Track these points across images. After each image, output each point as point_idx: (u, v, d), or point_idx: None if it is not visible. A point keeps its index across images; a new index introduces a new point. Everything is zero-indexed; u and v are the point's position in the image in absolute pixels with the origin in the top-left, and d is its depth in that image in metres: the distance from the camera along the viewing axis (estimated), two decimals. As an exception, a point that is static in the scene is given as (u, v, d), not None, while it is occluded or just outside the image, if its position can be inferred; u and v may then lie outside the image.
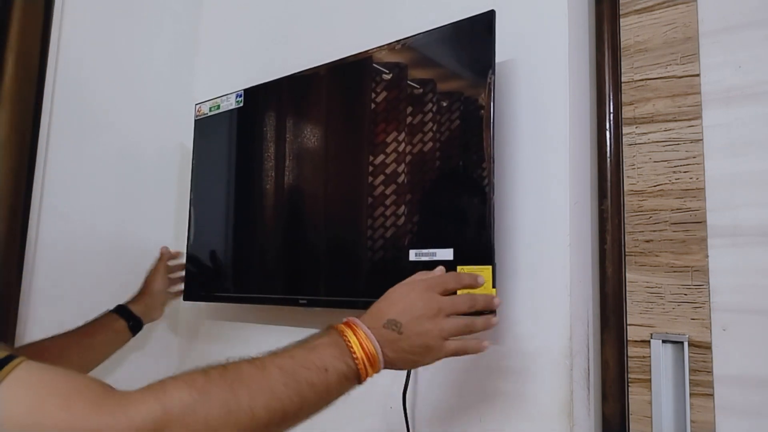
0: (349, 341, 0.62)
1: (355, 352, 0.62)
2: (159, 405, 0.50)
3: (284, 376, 0.57)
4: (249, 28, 1.41)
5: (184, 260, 1.29)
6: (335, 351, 0.61)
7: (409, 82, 0.97)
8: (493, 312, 0.73)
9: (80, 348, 1.00)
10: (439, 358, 0.68)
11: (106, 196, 1.27)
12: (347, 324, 0.65)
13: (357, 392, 1.10)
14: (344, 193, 1.05)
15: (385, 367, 0.65)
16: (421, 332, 0.65)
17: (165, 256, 1.22)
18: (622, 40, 0.93)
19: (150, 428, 0.49)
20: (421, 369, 0.98)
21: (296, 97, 1.15)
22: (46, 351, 0.94)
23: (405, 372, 0.96)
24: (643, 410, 0.85)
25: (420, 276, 0.71)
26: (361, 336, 0.63)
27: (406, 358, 0.66)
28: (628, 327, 0.88)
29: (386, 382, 1.02)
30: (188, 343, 1.40)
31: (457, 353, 0.69)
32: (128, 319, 1.09)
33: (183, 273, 1.27)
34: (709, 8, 0.86)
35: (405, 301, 0.66)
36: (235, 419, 0.53)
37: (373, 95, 1.00)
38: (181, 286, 1.27)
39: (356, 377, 0.62)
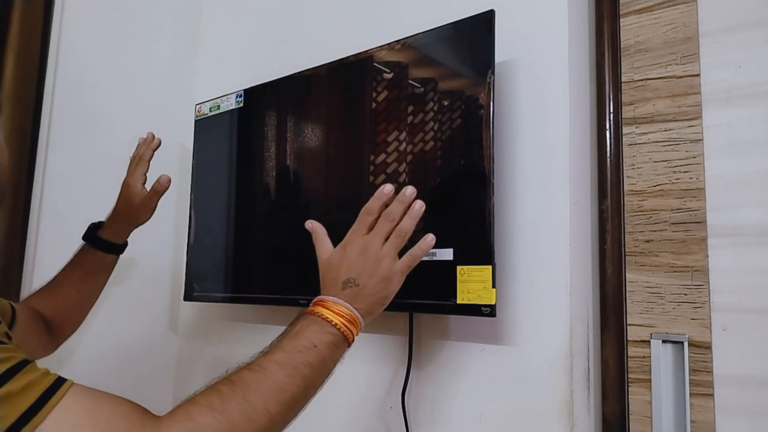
0: (323, 315, 0.69)
1: (332, 321, 0.68)
2: None
3: (283, 369, 0.63)
4: (249, 28, 1.41)
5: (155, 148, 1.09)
6: (316, 327, 0.68)
7: (409, 81, 0.97)
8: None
9: (77, 298, 0.99)
10: (402, 280, 0.74)
11: (106, 196, 1.27)
12: (315, 304, 0.71)
13: (357, 392, 1.09)
14: (345, 192, 1.05)
15: (366, 319, 0.72)
16: (373, 272, 0.72)
17: (141, 147, 1.07)
18: (622, 40, 0.93)
19: None
20: (420, 369, 0.98)
21: (296, 97, 1.15)
22: (44, 306, 0.94)
23: (405, 372, 0.96)
24: (643, 410, 0.85)
25: (349, 233, 0.76)
26: (330, 306, 0.70)
27: (377, 299, 0.72)
28: (628, 327, 0.88)
29: (386, 382, 1.02)
30: (188, 343, 1.40)
31: (412, 263, 0.75)
32: (114, 250, 1.03)
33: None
34: (709, 8, 0.86)
35: (345, 260, 0.73)
36: (257, 425, 0.58)
37: (374, 95, 1.00)
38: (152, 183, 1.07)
39: (344, 341, 0.69)
